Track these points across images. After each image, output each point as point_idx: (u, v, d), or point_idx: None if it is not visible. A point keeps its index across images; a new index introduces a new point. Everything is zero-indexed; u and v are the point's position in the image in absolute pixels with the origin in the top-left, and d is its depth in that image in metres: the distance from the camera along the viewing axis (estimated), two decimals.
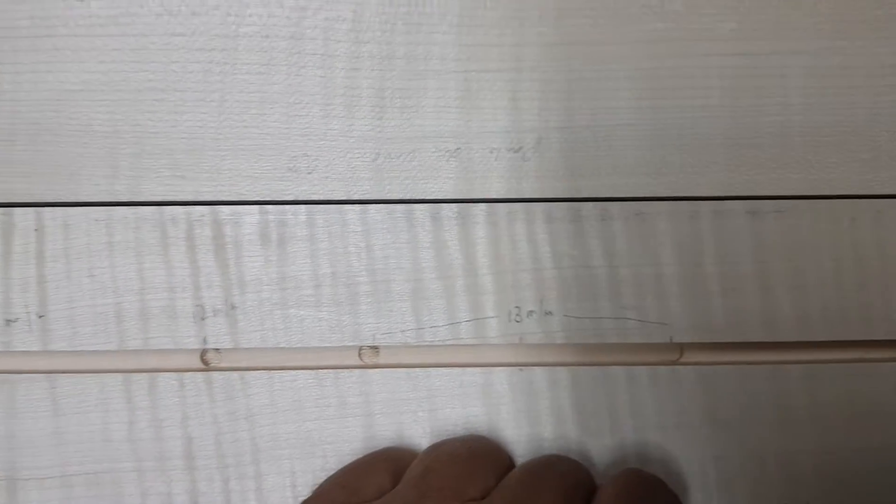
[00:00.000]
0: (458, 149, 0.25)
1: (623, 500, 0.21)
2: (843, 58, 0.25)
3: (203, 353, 0.26)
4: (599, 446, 0.25)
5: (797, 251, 0.25)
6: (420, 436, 0.25)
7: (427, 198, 0.25)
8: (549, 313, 0.25)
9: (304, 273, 0.25)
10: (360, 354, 0.26)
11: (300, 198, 0.25)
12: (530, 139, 0.25)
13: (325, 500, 0.22)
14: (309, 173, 0.25)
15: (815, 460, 0.25)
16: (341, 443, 0.25)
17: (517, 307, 0.25)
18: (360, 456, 0.24)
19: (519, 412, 0.25)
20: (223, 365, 0.26)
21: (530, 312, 0.25)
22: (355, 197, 0.25)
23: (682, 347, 0.26)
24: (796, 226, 0.25)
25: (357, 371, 0.25)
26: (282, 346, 0.25)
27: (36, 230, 0.25)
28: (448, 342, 0.25)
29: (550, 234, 0.25)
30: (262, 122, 0.25)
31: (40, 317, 0.25)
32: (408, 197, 0.25)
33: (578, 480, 0.22)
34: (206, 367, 0.26)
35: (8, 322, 0.25)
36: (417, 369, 0.25)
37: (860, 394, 0.25)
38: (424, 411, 0.25)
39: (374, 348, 0.26)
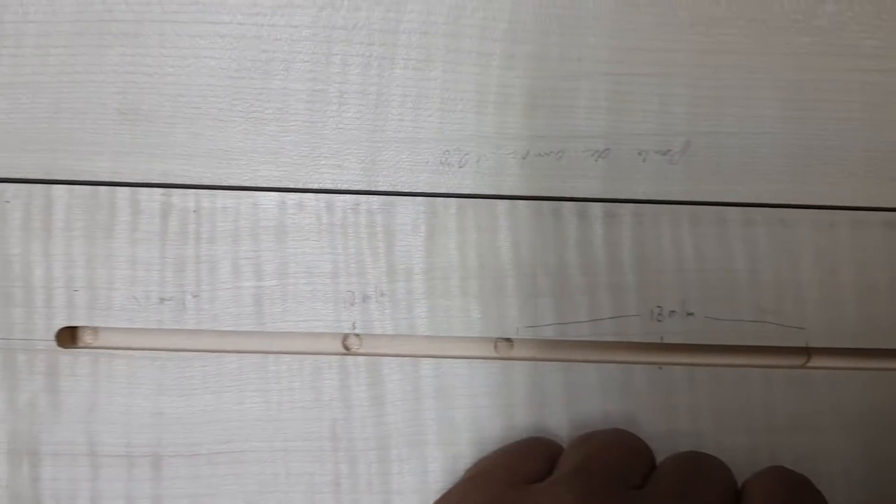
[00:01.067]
0: (606, 149, 0.26)
1: (774, 497, 0.22)
2: None
3: (345, 338, 0.26)
4: (734, 445, 0.25)
5: None
6: (559, 427, 0.26)
7: (575, 196, 0.26)
8: (690, 314, 0.26)
9: (453, 264, 0.26)
10: (495, 346, 0.26)
11: (451, 191, 0.26)
12: (678, 143, 0.26)
13: (490, 478, 0.22)
14: (461, 167, 0.26)
15: None
16: (480, 431, 0.26)
17: (659, 307, 0.26)
18: (504, 444, 0.25)
19: (657, 409, 0.26)
20: (363, 350, 0.26)
21: (672, 312, 0.26)
22: (504, 192, 0.26)
23: (809, 351, 0.26)
24: None
25: (500, 362, 0.26)
26: (428, 334, 0.26)
27: (194, 211, 0.25)
28: (589, 338, 0.26)
29: (695, 237, 0.26)
30: (417, 116, 0.26)
31: (195, 297, 0.25)
32: (555, 194, 0.26)
33: (726, 476, 0.23)
34: (347, 351, 0.26)
35: (162, 300, 0.25)
36: (559, 363, 0.26)
37: None
38: (563, 404, 0.26)
39: (509, 341, 0.26)
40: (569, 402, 0.26)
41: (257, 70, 0.25)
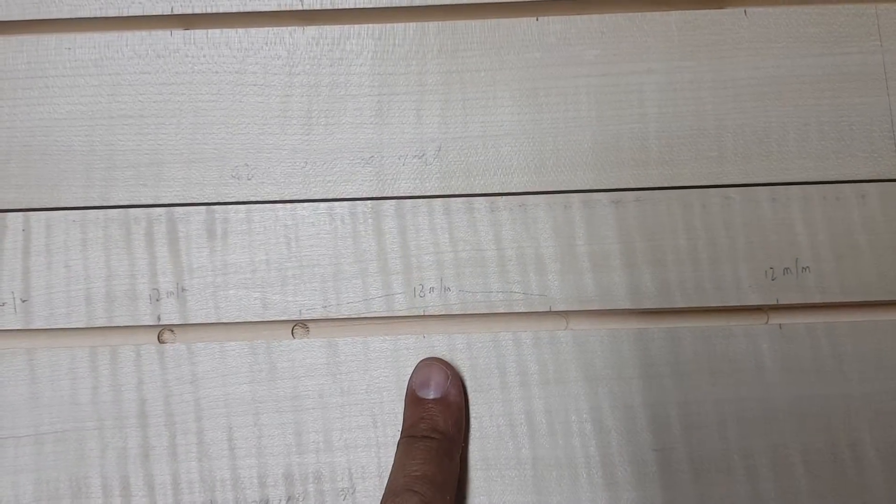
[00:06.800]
0: (371, 157, 0.30)
1: None
2: None
3: (161, 332, 0.30)
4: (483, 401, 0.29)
5: None
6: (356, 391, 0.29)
7: (345, 197, 0.30)
8: (447, 289, 0.29)
9: (243, 260, 0.30)
10: (292, 331, 0.30)
11: (240, 199, 0.30)
12: (432, 148, 0.30)
13: None
14: (248, 179, 0.30)
15: None
16: (273, 402, 0.29)
17: (421, 285, 0.30)
18: None
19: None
20: (177, 341, 0.30)
21: (432, 289, 0.29)
22: (287, 198, 0.30)
23: (566, 315, 0.30)
24: None
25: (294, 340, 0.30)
26: (223, 321, 0.30)
27: (23, 230, 0.30)
28: (363, 314, 0.30)
29: (450, 223, 0.30)
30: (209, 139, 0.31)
31: (24, 301, 0.30)
32: (329, 196, 0.30)
33: None
34: (162, 342, 0.30)
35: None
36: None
37: None
38: (353, 373, 0.29)
39: (305, 326, 0.30)
40: (364, 370, 0.29)
41: (77, 112, 0.31)
